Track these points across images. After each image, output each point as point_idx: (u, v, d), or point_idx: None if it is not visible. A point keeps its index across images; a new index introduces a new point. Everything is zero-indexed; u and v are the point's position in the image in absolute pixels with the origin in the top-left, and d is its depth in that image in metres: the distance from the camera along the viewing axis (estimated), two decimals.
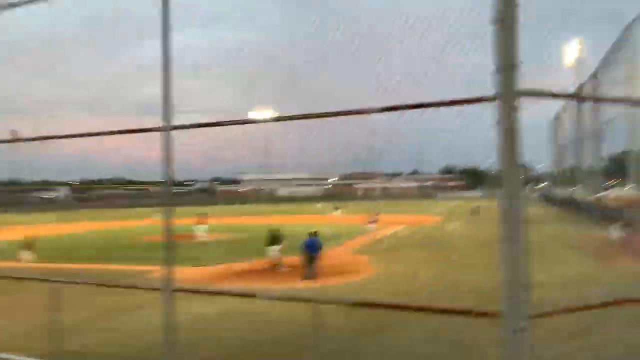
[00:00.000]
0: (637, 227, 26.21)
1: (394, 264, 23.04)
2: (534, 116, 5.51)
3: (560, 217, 47.52)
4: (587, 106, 43.53)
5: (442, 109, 5.87)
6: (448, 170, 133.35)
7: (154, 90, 8.06)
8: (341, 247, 29.73)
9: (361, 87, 6.43)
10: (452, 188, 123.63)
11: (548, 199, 77.33)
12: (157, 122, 7.66)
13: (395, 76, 6.19)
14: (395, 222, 40.76)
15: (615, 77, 29.21)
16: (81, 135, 8.66)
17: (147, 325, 12.26)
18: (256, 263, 23.46)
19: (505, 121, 5.24)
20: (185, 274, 18.45)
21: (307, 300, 7.12)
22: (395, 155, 6.83)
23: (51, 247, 29.62)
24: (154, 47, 7.97)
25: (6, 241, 30.71)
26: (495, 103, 5.29)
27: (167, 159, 7.58)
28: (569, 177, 60.01)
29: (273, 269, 22.40)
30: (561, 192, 66.51)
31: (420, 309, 6.58)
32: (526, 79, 5.29)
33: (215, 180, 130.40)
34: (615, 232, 29.18)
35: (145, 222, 48.13)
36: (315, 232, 21.74)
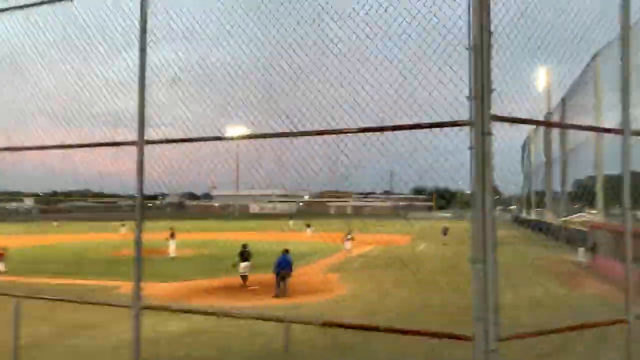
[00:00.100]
0: (602, 251, 26.77)
1: (365, 283, 23.04)
2: (505, 139, 5.61)
3: (530, 239, 48.26)
4: (556, 131, 44.60)
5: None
6: (419, 191, 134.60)
7: (124, 102, 7.99)
8: (313, 265, 29.61)
9: (337, 106, 6.45)
10: (423, 208, 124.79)
11: (518, 221, 78.62)
12: (126, 132, 7.60)
13: (371, 97, 6.24)
14: (367, 242, 40.81)
15: (584, 104, 30.04)
16: (53, 147, 8.50)
17: (108, 342, 11.99)
18: (226, 280, 23.19)
19: (478, 145, 5.32)
20: (154, 289, 18.23)
21: (277, 320, 7.03)
22: (367, 174, 6.84)
23: (16, 260, 28.77)
24: (125, 60, 7.92)
25: None
26: (469, 128, 5.38)
27: (141, 173, 7.48)
28: (538, 200, 61.11)
29: (243, 286, 22.17)
30: (531, 214, 67.69)
31: (389, 331, 6.55)
32: (502, 102, 5.41)
33: (186, 196, 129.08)
34: (582, 256, 29.78)
35: (113, 236, 47.28)
36: (287, 250, 21.63)
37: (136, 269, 7.41)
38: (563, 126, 45.94)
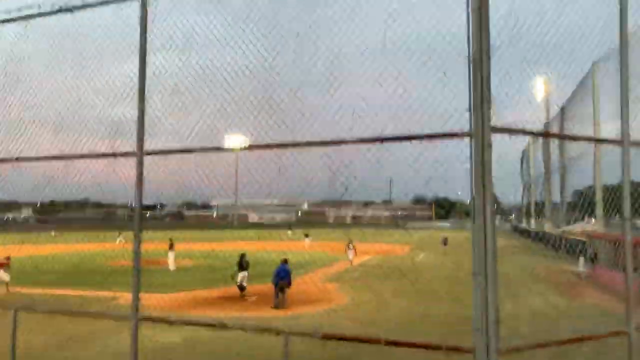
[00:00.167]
0: (601, 261, 26.73)
1: (364, 293, 22.96)
2: (505, 148, 5.62)
3: (530, 249, 48.18)
4: (555, 141, 44.66)
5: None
6: (419, 200, 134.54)
7: (123, 111, 7.97)
8: (311, 275, 29.51)
9: (338, 116, 6.45)
10: (422, 218, 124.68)
11: (518, 230, 78.58)
12: (126, 143, 7.58)
13: (372, 108, 6.25)
14: (367, 251, 40.72)
15: (583, 113, 30.15)
16: (53, 158, 8.47)
17: (107, 353, 11.92)
18: (225, 290, 23.09)
19: (478, 156, 5.31)
20: (152, 300, 18.10)
21: (277, 332, 6.98)
22: (368, 184, 6.82)
23: (15, 270, 28.63)
24: (125, 69, 7.91)
25: None
26: (469, 138, 5.37)
27: (140, 183, 7.46)
28: (538, 209, 61.10)
29: (242, 296, 22.08)
30: (531, 224, 67.67)
31: (390, 343, 6.50)
32: (502, 112, 5.41)
33: (185, 205, 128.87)
34: (582, 266, 29.74)
35: (110, 246, 47.12)
36: (285, 260, 21.54)
37: (135, 279, 7.37)
38: (562, 137, 46.01)
